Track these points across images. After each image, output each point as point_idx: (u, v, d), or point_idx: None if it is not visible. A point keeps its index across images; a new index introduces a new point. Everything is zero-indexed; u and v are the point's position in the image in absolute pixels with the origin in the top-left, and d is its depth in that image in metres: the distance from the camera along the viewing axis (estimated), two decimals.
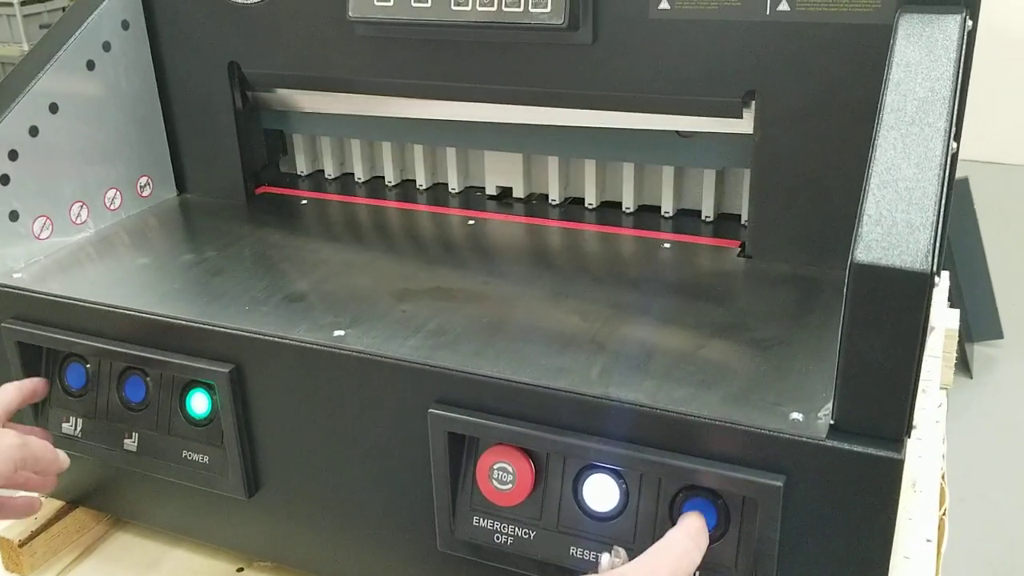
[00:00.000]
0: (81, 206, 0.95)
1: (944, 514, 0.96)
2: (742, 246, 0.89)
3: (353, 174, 1.12)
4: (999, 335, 2.75)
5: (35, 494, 0.84)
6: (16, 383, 0.83)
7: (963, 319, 2.07)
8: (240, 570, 0.88)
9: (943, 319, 1.20)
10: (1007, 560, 1.97)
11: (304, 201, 1.06)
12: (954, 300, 2.51)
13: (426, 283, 0.84)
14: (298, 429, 0.77)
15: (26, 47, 3.50)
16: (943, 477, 1.01)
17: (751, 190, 0.85)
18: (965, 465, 2.21)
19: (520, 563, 0.70)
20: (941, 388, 1.15)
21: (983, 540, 2.02)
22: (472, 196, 1.07)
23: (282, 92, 1.05)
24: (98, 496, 0.91)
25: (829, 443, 0.58)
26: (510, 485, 0.68)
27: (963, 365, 2.61)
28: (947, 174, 0.60)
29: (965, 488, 2.15)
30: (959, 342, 1.93)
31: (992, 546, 2.01)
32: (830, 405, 0.60)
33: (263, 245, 0.94)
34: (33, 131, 0.89)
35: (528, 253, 0.93)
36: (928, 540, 0.88)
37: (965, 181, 2.69)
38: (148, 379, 0.82)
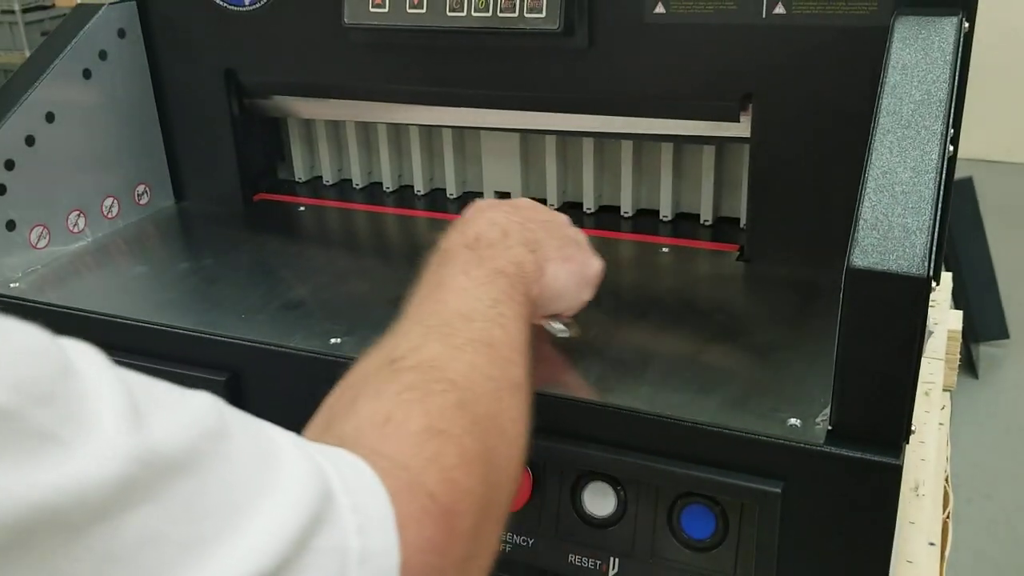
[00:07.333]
0: (78, 215, 0.95)
1: (948, 517, 0.96)
2: (741, 250, 0.88)
3: (351, 180, 1.12)
4: (1005, 335, 2.74)
5: None
6: None
7: (968, 319, 2.07)
8: None
9: (946, 320, 1.19)
10: (1013, 560, 1.96)
11: (302, 208, 1.06)
12: (959, 300, 2.50)
13: None
14: None
15: (28, 54, 3.52)
16: (947, 480, 1.00)
17: (749, 194, 0.84)
18: (971, 466, 2.20)
19: (519, 570, 0.70)
20: (944, 390, 1.14)
21: (989, 541, 2.01)
22: (470, 202, 1.06)
23: (279, 99, 1.05)
24: None
25: (827, 449, 0.58)
26: None
27: (968, 365, 2.60)
28: (944, 178, 0.60)
29: (971, 489, 2.14)
30: (964, 342, 1.92)
31: (998, 547, 2.00)
32: (828, 410, 0.59)
33: (261, 252, 0.94)
34: (29, 140, 0.89)
35: None
36: (931, 544, 0.88)
37: (969, 180, 2.68)
38: None
